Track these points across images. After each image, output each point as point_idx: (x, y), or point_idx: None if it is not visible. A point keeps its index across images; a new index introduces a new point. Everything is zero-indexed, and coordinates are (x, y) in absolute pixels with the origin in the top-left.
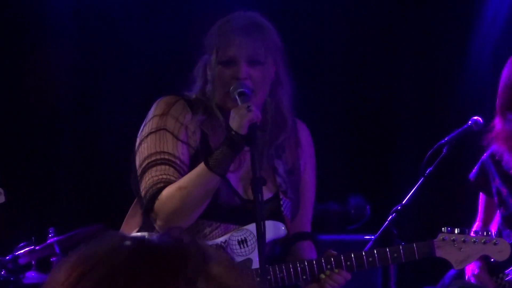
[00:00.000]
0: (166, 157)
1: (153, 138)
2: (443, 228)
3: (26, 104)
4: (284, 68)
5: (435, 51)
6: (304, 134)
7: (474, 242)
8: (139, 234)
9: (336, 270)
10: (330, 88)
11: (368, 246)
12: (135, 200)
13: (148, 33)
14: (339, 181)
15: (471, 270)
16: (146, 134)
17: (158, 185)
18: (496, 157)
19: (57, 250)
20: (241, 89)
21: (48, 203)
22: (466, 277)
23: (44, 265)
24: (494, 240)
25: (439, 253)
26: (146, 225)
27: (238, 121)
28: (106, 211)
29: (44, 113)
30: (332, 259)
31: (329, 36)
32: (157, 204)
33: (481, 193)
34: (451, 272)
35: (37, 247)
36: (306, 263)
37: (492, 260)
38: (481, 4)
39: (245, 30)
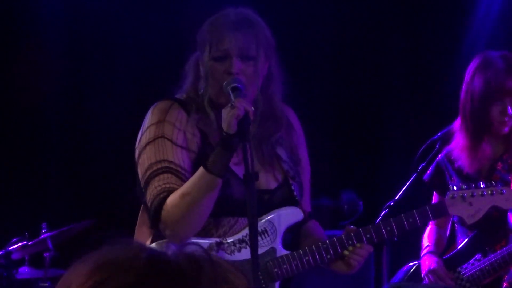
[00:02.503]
0: (167, 165)
1: (152, 147)
2: (450, 186)
3: (18, 101)
4: (276, 63)
5: (427, 47)
6: (293, 119)
7: (482, 194)
8: (153, 245)
9: (358, 245)
10: (322, 84)
11: None
12: (142, 207)
13: (139, 32)
14: (331, 177)
15: (427, 265)
16: (144, 145)
17: (162, 195)
18: (452, 157)
19: (50, 245)
20: (234, 84)
21: (41, 198)
22: (423, 272)
23: (37, 261)
24: (500, 190)
25: (452, 210)
26: (158, 234)
27: (226, 121)
28: (98, 206)
29: (36, 109)
30: (353, 235)
31: (322, 33)
32: (163, 214)
33: (435, 193)
34: (405, 268)
35: (30, 243)
36: (328, 243)
37: (444, 257)
38: (474, 1)
39: (236, 25)
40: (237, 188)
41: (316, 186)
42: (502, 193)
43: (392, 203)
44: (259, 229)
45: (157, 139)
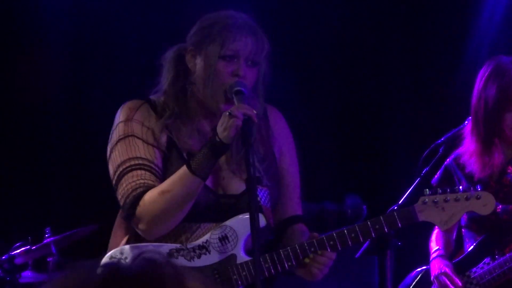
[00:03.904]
0: (140, 162)
1: (123, 144)
2: (425, 191)
3: (21, 104)
4: (266, 68)
5: (431, 50)
6: (276, 119)
7: (456, 199)
8: (126, 247)
9: (320, 252)
10: (325, 87)
11: (364, 246)
12: (120, 210)
13: (140, 32)
14: (335, 181)
15: (438, 268)
16: (115, 142)
17: (138, 190)
18: (460, 161)
19: (53, 250)
20: (239, 88)
21: (45, 203)
22: (432, 275)
23: (40, 265)
24: (476, 195)
25: (422, 216)
26: (134, 235)
27: (226, 129)
28: (102, 211)
29: (40, 111)
30: (315, 242)
31: (326, 33)
32: (139, 209)
33: None
34: (413, 274)
35: (33, 247)
36: (289, 250)
37: (453, 261)
38: (478, 3)
39: (251, 30)
40: (201, 194)
41: (320, 190)
42: (478, 198)
43: (396, 208)
44: (220, 235)
45: (127, 137)
